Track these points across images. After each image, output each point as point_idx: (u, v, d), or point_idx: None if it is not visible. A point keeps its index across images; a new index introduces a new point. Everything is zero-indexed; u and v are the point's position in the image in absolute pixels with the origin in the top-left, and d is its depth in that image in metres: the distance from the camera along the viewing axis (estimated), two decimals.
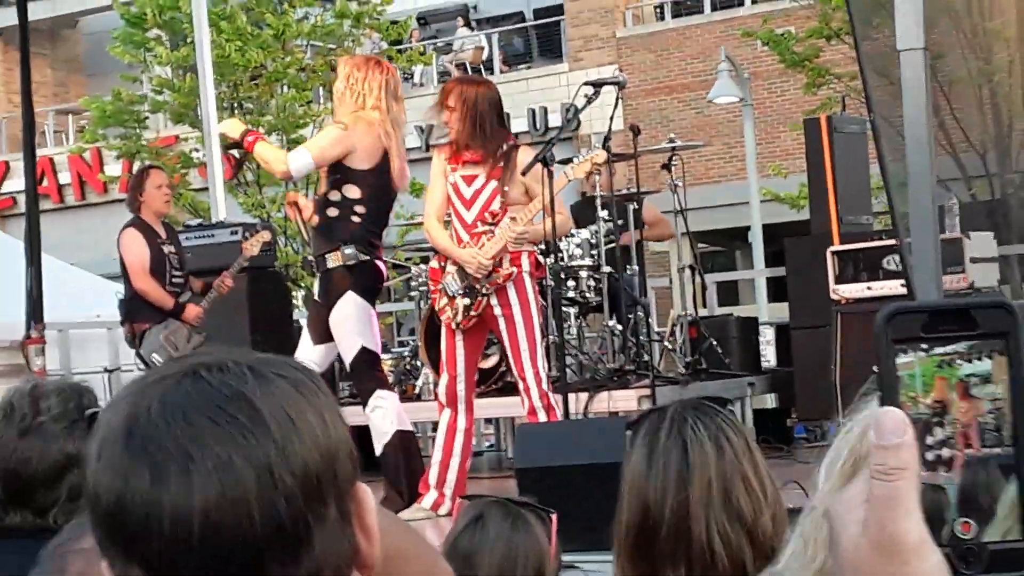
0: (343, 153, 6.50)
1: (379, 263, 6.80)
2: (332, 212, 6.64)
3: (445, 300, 6.72)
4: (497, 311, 6.64)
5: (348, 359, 6.66)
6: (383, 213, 6.87)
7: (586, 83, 6.66)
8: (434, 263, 7.01)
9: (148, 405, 1.17)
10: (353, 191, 6.54)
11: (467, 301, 6.63)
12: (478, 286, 6.61)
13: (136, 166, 19.33)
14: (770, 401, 9.91)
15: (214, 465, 1.14)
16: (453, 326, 6.69)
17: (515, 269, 6.61)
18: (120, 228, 8.70)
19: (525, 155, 6.69)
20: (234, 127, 7.09)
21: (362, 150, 6.51)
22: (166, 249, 8.55)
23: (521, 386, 6.66)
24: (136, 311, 8.47)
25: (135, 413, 1.17)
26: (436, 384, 7.40)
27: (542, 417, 6.50)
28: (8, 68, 27.41)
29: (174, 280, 8.48)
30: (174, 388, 1.17)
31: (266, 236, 8.71)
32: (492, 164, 6.58)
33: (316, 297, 6.92)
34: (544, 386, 6.63)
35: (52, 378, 2.99)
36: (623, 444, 5.02)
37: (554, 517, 2.90)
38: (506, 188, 6.57)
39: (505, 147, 6.64)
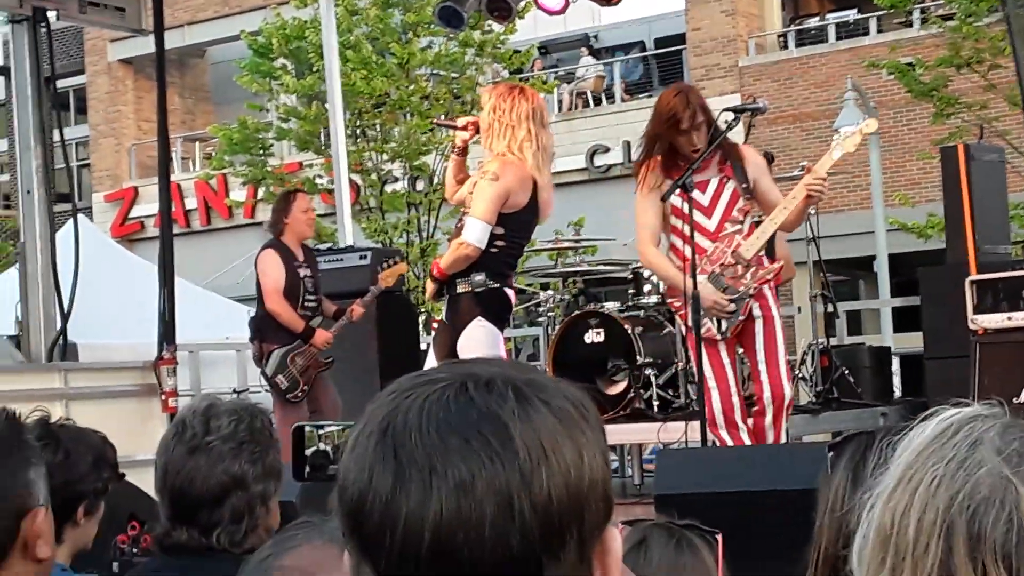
0: (503, 205, 6.44)
1: (508, 291, 6.74)
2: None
3: (701, 312, 6.33)
4: (756, 312, 6.42)
5: None
6: (523, 244, 6.83)
7: (726, 109, 6.59)
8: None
9: (408, 408, 1.17)
10: (497, 229, 6.52)
11: (731, 307, 6.40)
12: (742, 288, 6.39)
13: (260, 191, 19.65)
14: None
15: (455, 483, 1.13)
16: (719, 337, 6.45)
17: (782, 263, 6.49)
18: (258, 250, 8.80)
19: (749, 152, 6.61)
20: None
21: (513, 196, 6.44)
22: (302, 272, 8.62)
23: (771, 396, 6.37)
24: (266, 331, 8.56)
25: (395, 413, 1.17)
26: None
27: (782, 432, 6.35)
28: (138, 96, 27.99)
29: (307, 304, 8.55)
30: (437, 396, 1.17)
31: (403, 268, 8.77)
32: (719, 165, 6.45)
33: (444, 319, 6.92)
34: (790, 395, 6.48)
35: (229, 397, 2.99)
36: (768, 473, 4.96)
37: (719, 538, 2.84)
38: (745, 184, 6.42)
39: (727, 145, 6.49)
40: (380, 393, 1.21)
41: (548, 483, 1.14)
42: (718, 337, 6.49)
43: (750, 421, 6.50)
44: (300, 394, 8.52)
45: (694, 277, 6.24)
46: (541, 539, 1.14)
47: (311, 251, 9.05)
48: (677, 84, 6.72)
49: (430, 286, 6.80)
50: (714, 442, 6.57)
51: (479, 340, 6.56)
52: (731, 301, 6.42)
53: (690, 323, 6.38)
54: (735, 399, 6.53)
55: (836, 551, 2.13)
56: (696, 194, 6.43)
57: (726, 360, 6.53)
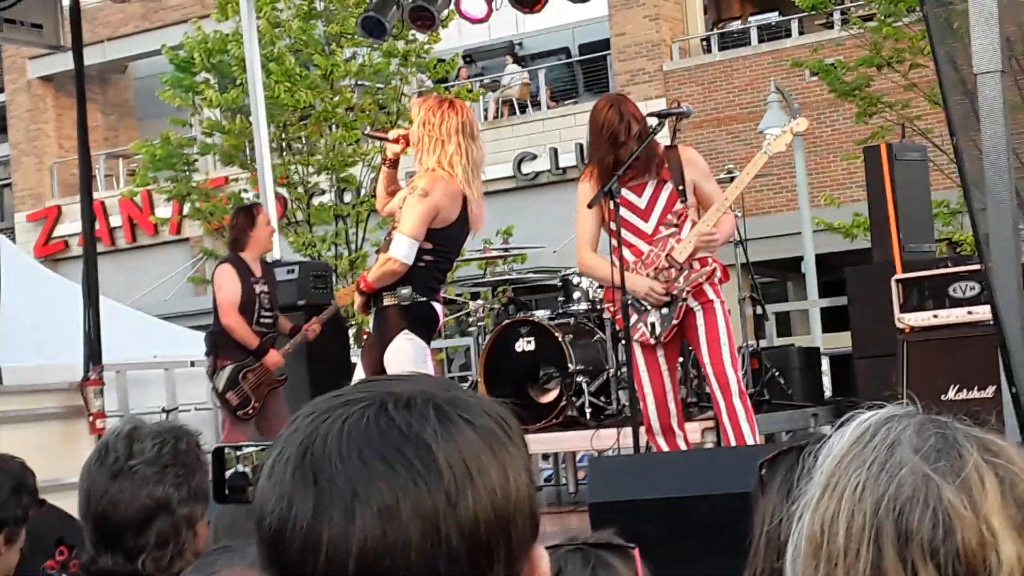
0: (432, 221, 6.43)
1: (436, 304, 6.73)
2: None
3: (635, 317, 6.44)
4: (694, 305, 6.40)
5: None
6: (451, 259, 6.85)
7: (651, 114, 6.61)
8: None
9: (327, 432, 1.13)
10: (425, 244, 6.51)
11: (664, 311, 6.43)
12: (675, 291, 6.41)
13: (186, 207, 19.49)
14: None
15: (379, 508, 1.10)
16: (652, 341, 6.45)
17: (716, 265, 6.45)
18: (215, 265, 8.76)
19: (687, 153, 6.62)
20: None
21: (443, 212, 6.45)
22: (258, 288, 8.57)
23: (717, 385, 6.37)
24: (220, 346, 8.52)
25: (312, 437, 1.14)
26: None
27: (742, 419, 6.31)
28: (59, 114, 27.70)
29: (262, 320, 8.49)
30: (356, 418, 1.14)
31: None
32: (656, 168, 6.46)
33: (372, 331, 6.90)
34: (742, 386, 6.44)
35: (157, 418, 2.95)
36: (702, 478, 4.96)
37: (636, 552, 2.81)
38: (681, 187, 6.44)
39: (660, 149, 6.52)
40: (295, 415, 1.18)
41: (474, 504, 1.12)
42: (652, 342, 6.49)
43: (690, 426, 6.53)
44: (251, 411, 8.46)
45: (622, 286, 6.25)
46: (469, 561, 1.11)
47: (269, 266, 8.98)
48: (608, 96, 6.69)
49: (358, 299, 6.78)
50: (648, 448, 6.59)
51: (406, 353, 6.54)
52: (665, 305, 6.43)
53: (623, 325, 6.41)
54: (671, 405, 6.54)
55: (771, 567, 2.12)
56: (633, 197, 6.47)
57: (663, 365, 6.54)
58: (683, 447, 6.49)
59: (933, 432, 1.31)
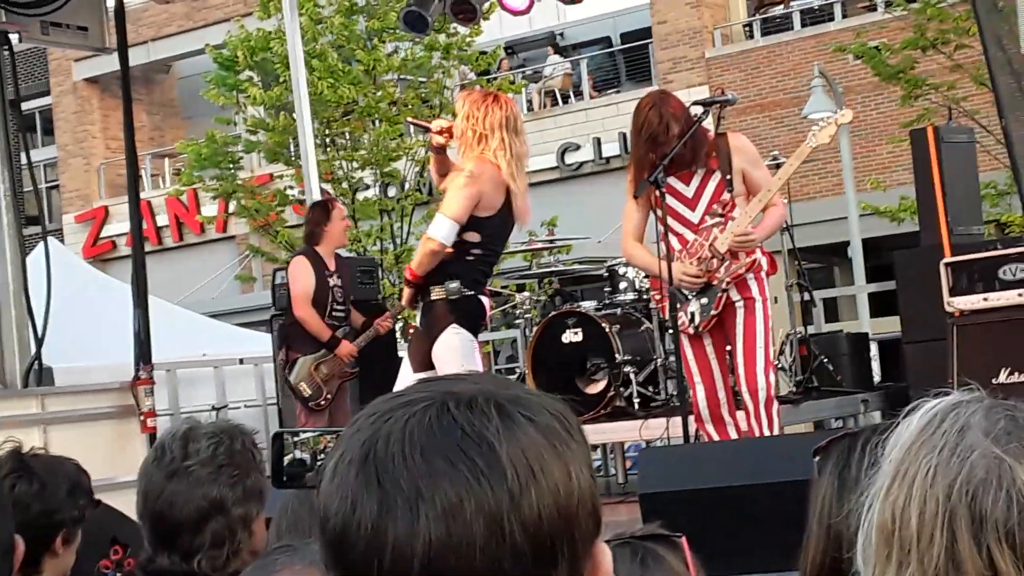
0: (475, 206, 6.43)
1: (483, 298, 6.72)
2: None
3: (677, 307, 6.44)
4: (737, 300, 6.44)
5: None
6: (498, 252, 6.85)
7: (695, 102, 6.59)
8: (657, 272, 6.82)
9: (389, 432, 1.14)
10: (473, 236, 6.49)
11: (704, 300, 6.46)
12: (715, 282, 6.44)
13: (231, 205, 19.59)
14: (884, 418, 9.76)
15: (443, 507, 1.10)
16: (691, 331, 6.50)
17: (758, 257, 6.46)
18: (291, 257, 8.86)
19: (737, 140, 6.63)
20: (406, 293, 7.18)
21: (486, 198, 6.44)
22: (332, 282, 8.65)
23: (747, 390, 6.40)
24: (293, 338, 8.62)
25: (375, 438, 1.14)
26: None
27: (765, 429, 6.34)
28: (104, 115, 27.89)
29: (335, 313, 8.58)
30: (418, 418, 1.14)
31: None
32: (704, 158, 6.47)
33: (419, 326, 6.91)
34: (772, 391, 6.46)
35: (208, 416, 2.97)
36: (752, 467, 4.94)
37: (683, 541, 2.80)
38: (729, 176, 6.46)
39: (709, 137, 6.55)
40: (356, 417, 1.18)
41: (537, 503, 1.12)
42: (690, 331, 6.51)
43: (740, 415, 6.52)
44: (323, 402, 8.56)
45: (670, 280, 6.24)
46: (533, 560, 1.12)
47: (344, 261, 9.06)
48: (650, 95, 6.68)
49: (406, 292, 6.78)
50: (697, 437, 6.58)
51: (454, 347, 6.54)
52: (702, 294, 6.44)
53: (665, 314, 6.51)
54: (721, 394, 6.55)
55: (827, 556, 2.11)
56: (680, 187, 6.50)
57: (711, 354, 6.56)
58: (734, 435, 6.48)
59: (1003, 415, 1.31)
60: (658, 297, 6.78)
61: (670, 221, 6.46)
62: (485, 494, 1.10)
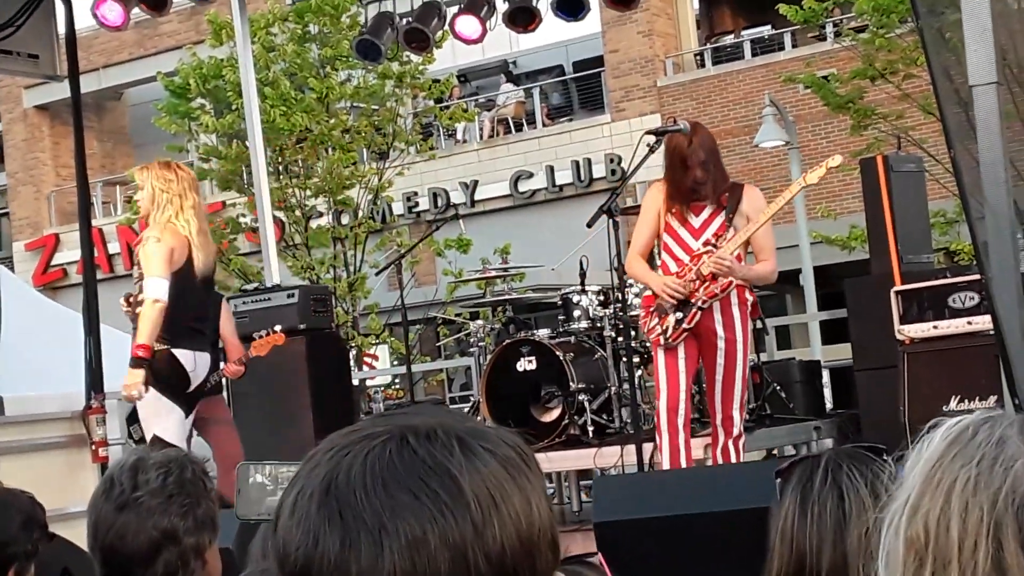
0: (171, 263, 7.03)
1: (178, 352, 7.08)
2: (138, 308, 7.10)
3: (655, 320, 6.86)
4: (720, 333, 6.82)
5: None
6: (187, 306, 7.17)
7: (648, 132, 6.69)
8: (647, 290, 7.14)
9: (349, 466, 1.13)
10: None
11: (679, 315, 6.80)
12: (693, 299, 6.78)
13: None
14: (836, 444, 9.80)
15: (408, 540, 1.10)
16: (662, 341, 6.82)
17: (732, 281, 6.80)
18: None
19: (751, 192, 7.01)
20: (132, 378, 7.27)
21: (175, 254, 7.07)
22: None
23: (720, 419, 6.85)
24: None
25: (335, 472, 1.14)
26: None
27: (732, 458, 6.74)
28: (55, 142, 27.73)
29: None
30: (379, 451, 1.14)
31: (279, 339, 8.50)
32: (718, 196, 6.86)
33: None
34: (742, 428, 6.91)
35: (162, 450, 2.94)
36: (706, 496, 4.95)
37: (599, 558, 2.82)
38: (731, 216, 6.84)
39: (727, 181, 6.96)
40: (313, 452, 1.18)
41: (500, 533, 1.12)
42: (661, 342, 6.82)
43: (699, 440, 6.76)
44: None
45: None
46: None
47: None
48: (691, 124, 7.10)
49: (138, 372, 7.00)
50: (652, 465, 6.67)
51: (147, 406, 7.03)
52: (679, 309, 6.78)
53: (646, 328, 6.93)
54: (682, 406, 6.84)
55: (794, 572, 2.14)
56: (691, 217, 6.89)
57: (682, 367, 6.87)
58: (682, 447, 6.76)
59: None
60: (645, 318, 7.00)
61: (672, 244, 6.89)
62: (449, 526, 1.11)
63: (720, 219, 6.87)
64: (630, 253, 7.02)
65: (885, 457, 2.27)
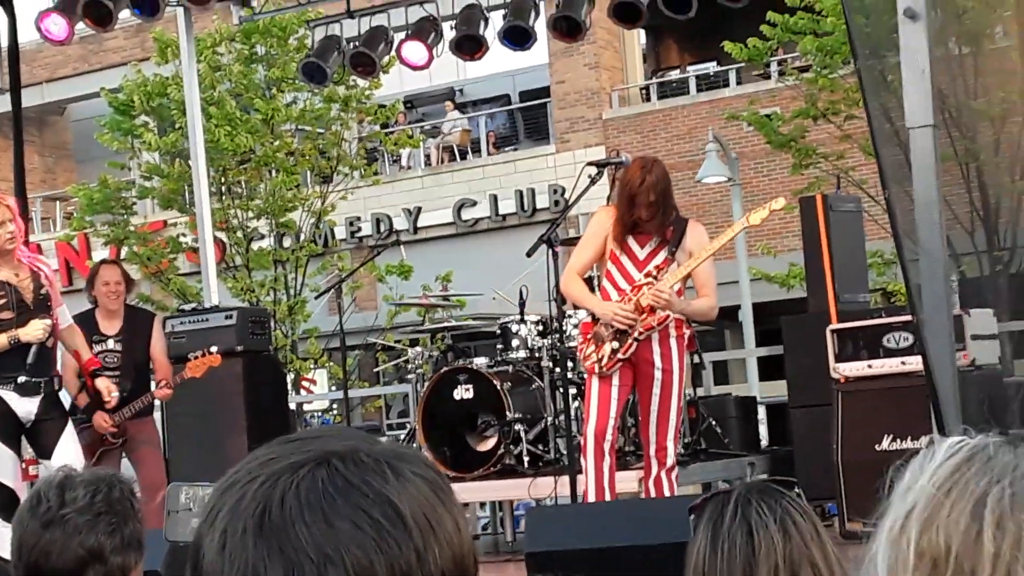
0: None
1: (2, 390, 6.90)
2: None
3: (592, 348, 6.90)
4: (658, 364, 6.87)
5: None
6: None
7: (590, 163, 6.75)
8: (587, 317, 7.13)
9: (282, 496, 1.11)
10: None
11: (615, 344, 6.84)
12: (629, 330, 6.82)
13: (124, 251, 19.36)
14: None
15: (354, 570, 1.09)
16: (596, 370, 6.86)
17: (670, 315, 6.85)
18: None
19: (695, 228, 7.05)
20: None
21: None
22: (97, 348, 8.26)
23: (653, 449, 6.91)
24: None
25: (267, 504, 1.11)
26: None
27: (665, 492, 6.79)
28: None
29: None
30: (309, 480, 1.12)
31: (215, 360, 8.41)
32: (663, 231, 6.91)
33: None
34: (676, 459, 6.97)
35: (88, 469, 2.92)
36: (635, 528, 4.97)
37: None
38: (674, 250, 6.90)
39: (672, 217, 6.98)
40: (230, 482, 1.14)
41: (440, 557, 1.12)
42: (595, 370, 6.86)
43: (632, 473, 6.78)
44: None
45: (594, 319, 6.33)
46: None
47: (139, 317, 8.79)
48: (643, 159, 7.18)
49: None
50: (584, 497, 6.68)
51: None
52: (615, 338, 6.82)
53: (582, 355, 6.98)
54: (609, 431, 6.87)
55: None
56: (636, 248, 6.94)
57: (615, 394, 6.90)
58: (606, 472, 6.79)
59: None
60: (582, 345, 7.03)
61: (614, 272, 6.92)
62: (395, 553, 1.10)
63: (664, 253, 6.93)
64: (568, 271, 7.02)
65: (796, 491, 2.28)
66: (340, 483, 1.11)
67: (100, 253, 23.16)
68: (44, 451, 7.08)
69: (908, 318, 7.54)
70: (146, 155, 19.23)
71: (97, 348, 8.29)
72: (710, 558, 2.15)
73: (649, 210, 6.81)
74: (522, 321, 8.98)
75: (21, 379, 6.92)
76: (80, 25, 10.07)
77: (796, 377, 9.01)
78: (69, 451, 6.98)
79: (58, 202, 26.84)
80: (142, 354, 8.56)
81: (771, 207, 7.01)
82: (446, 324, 9.95)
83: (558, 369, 8.26)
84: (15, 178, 9.76)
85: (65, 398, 7.70)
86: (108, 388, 7.49)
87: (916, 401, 7.26)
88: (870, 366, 7.94)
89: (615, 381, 6.88)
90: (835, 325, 8.23)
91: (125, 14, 10.27)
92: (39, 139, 27.45)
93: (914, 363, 7.60)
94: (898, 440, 7.69)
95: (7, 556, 5.58)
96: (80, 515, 2.72)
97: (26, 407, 6.99)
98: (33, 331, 6.90)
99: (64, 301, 7.47)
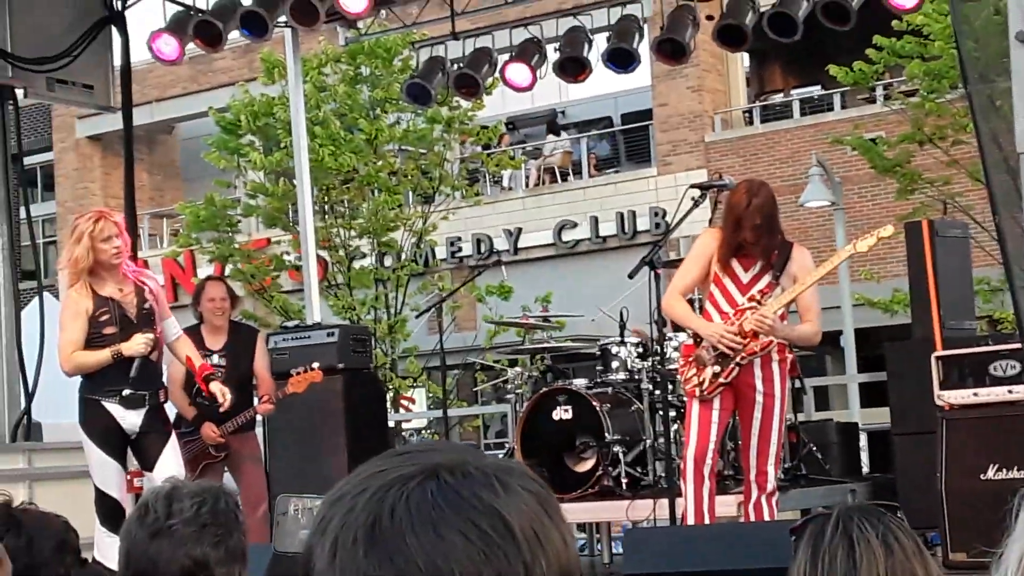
0: None
1: (107, 403, 7.05)
2: None
3: (693, 371, 6.88)
4: (759, 388, 6.84)
5: None
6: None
7: (693, 185, 6.73)
8: (688, 339, 7.12)
9: (391, 508, 1.12)
10: None
11: (717, 368, 6.82)
12: (731, 354, 6.80)
13: (228, 268, 19.60)
14: None
15: None
16: (697, 393, 6.84)
17: (773, 340, 6.82)
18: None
19: (800, 252, 7.00)
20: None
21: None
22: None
23: (754, 474, 6.88)
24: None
25: (377, 515, 1.12)
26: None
27: (765, 514, 6.78)
28: (105, 173, 27.98)
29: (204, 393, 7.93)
30: (418, 492, 1.12)
31: (316, 376, 8.49)
32: (768, 255, 6.87)
33: None
34: (776, 484, 6.94)
35: (194, 481, 2.96)
36: (735, 552, 4.93)
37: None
38: (778, 274, 6.86)
39: (778, 241, 6.95)
40: (339, 494, 1.16)
41: (547, 570, 1.12)
42: (696, 394, 6.83)
43: (732, 498, 6.73)
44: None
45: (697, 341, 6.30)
46: None
47: (245, 333, 8.90)
48: (750, 182, 7.14)
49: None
50: (684, 519, 6.65)
51: (89, 461, 7.13)
52: (717, 362, 6.78)
53: (683, 378, 6.93)
54: (709, 455, 6.84)
55: None
56: (740, 271, 6.90)
57: (715, 418, 6.87)
58: (705, 497, 6.75)
59: None
60: (683, 367, 7.03)
61: (718, 296, 6.89)
62: (503, 565, 1.10)
63: (768, 277, 6.88)
64: (670, 291, 6.98)
65: (899, 515, 2.26)
66: (449, 495, 1.12)
67: (205, 270, 23.48)
68: (147, 463, 7.19)
69: (1016, 346, 7.42)
70: (251, 174, 19.46)
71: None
72: (810, 573, 2.13)
73: (754, 233, 6.76)
74: (622, 343, 8.96)
75: (126, 392, 7.05)
76: (190, 46, 10.24)
77: (899, 404, 8.90)
78: (171, 464, 7.08)
79: (165, 219, 27.27)
80: (246, 369, 8.68)
81: (879, 235, 6.92)
82: (546, 345, 9.95)
83: (658, 391, 8.22)
84: (125, 195, 9.94)
85: (171, 412, 7.81)
86: (222, 391, 7.58)
87: (1023, 430, 7.14)
88: (976, 394, 7.81)
89: (716, 405, 6.85)
90: (940, 352, 8.11)
91: (234, 35, 10.43)
92: (148, 157, 27.91)
93: (1021, 392, 7.47)
94: (1004, 470, 7.55)
95: (112, 566, 5.68)
96: (187, 526, 2.76)
97: (131, 419, 7.12)
98: (135, 345, 7.02)
99: (172, 314, 7.60)
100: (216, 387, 7.56)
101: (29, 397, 9.19)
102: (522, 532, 1.12)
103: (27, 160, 10.62)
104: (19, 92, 9.59)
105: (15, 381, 9.22)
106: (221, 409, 7.80)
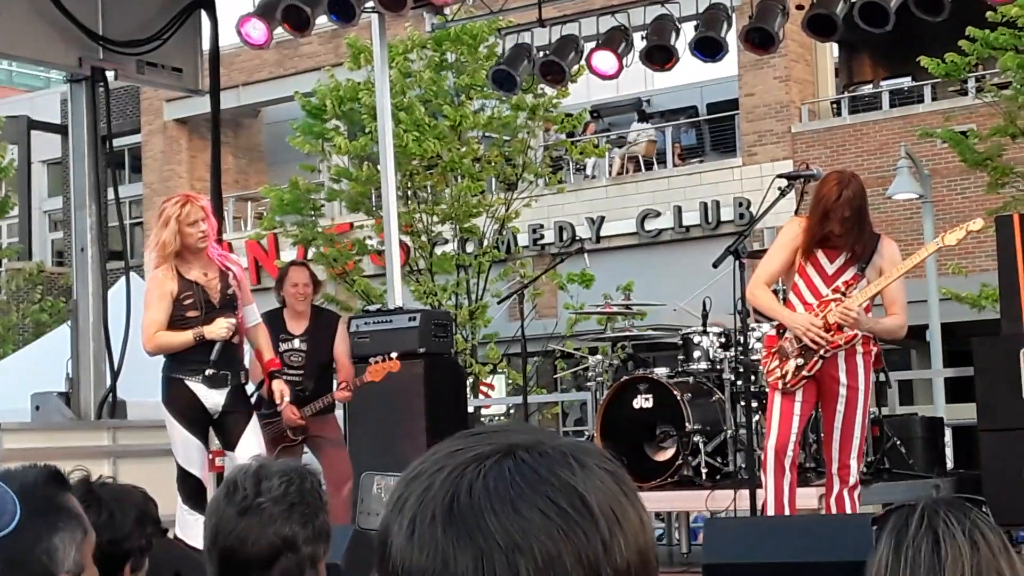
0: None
1: (191, 382, 7.13)
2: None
3: (776, 363, 6.84)
4: (843, 380, 6.77)
5: None
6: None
7: (780, 175, 6.66)
8: (771, 330, 7.08)
9: (469, 486, 1.12)
10: None
11: (800, 361, 6.77)
12: (815, 347, 6.74)
13: (311, 252, 19.73)
14: None
15: (542, 559, 1.09)
16: (780, 385, 6.80)
17: (858, 333, 6.74)
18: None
19: (887, 245, 6.90)
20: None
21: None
22: (283, 347, 8.49)
23: (836, 467, 6.82)
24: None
25: (455, 493, 1.12)
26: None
27: (847, 507, 6.72)
28: (192, 156, 28.27)
29: (286, 378, 7.93)
30: (495, 470, 1.13)
31: (394, 366, 8.52)
32: (854, 246, 6.78)
33: None
34: (858, 477, 6.87)
35: (281, 459, 2.99)
36: (816, 545, 4.89)
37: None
38: (864, 266, 6.79)
39: (867, 233, 6.86)
40: (416, 472, 1.16)
41: (625, 549, 1.12)
42: (779, 386, 6.79)
43: (813, 490, 6.65)
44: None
45: (779, 333, 6.26)
46: None
47: (327, 319, 8.93)
48: (840, 173, 6.99)
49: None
50: (763, 510, 6.61)
51: (171, 439, 7.22)
52: (800, 355, 6.73)
53: (766, 369, 6.87)
54: (790, 447, 6.78)
55: None
56: (825, 262, 6.82)
57: (797, 410, 6.82)
58: (786, 489, 6.71)
59: None
60: (766, 358, 6.95)
61: (802, 286, 6.81)
62: (582, 543, 1.10)
63: (853, 269, 6.80)
64: (755, 280, 6.91)
65: (984, 510, 2.21)
66: (527, 473, 1.12)
67: (288, 253, 23.67)
68: (229, 443, 7.26)
69: None
70: (336, 158, 19.58)
71: (283, 347, 8.49)
72: (892, 566, 2.09)
73: (843, 225, 6.67)
74: (704, 332, 8.91)
75: (209, 371, 7.12)
76: (278, 30, 10.30)
77: (986, 400, 8.76)
78: (252, 444, 7.15)
79: (249, 202, 27.51)
80: (326, 354, 8.72)
81: (968, 228, 6.81)
82: (627, 333, 9.92)
83: (740, 382, 8.17)
84: (212, 178, 10.04)
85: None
86: (282, 391, 7.60)
87: None
88: None
89: (798, 397, 6.78)
90: None
91: (322, 19, 10.48)
92: (233, 141, 28.16)
93: None
94: None
95: (196, 544, 5.75)
96: (275, 504, 2.78)
97: (214, 399, 7.19)
98: (217, 329, 7.11)
99: (254, 299, 7.66)
100: (277, 386, 7.60)
101: (115, 375, 9.31)
102: (600, 510, 1.12)
103: (115, 142, 10.74)
104: (110, 75, 9.69)
105: (101, 360, 9.34)
106: (280, 407, 7.85)
